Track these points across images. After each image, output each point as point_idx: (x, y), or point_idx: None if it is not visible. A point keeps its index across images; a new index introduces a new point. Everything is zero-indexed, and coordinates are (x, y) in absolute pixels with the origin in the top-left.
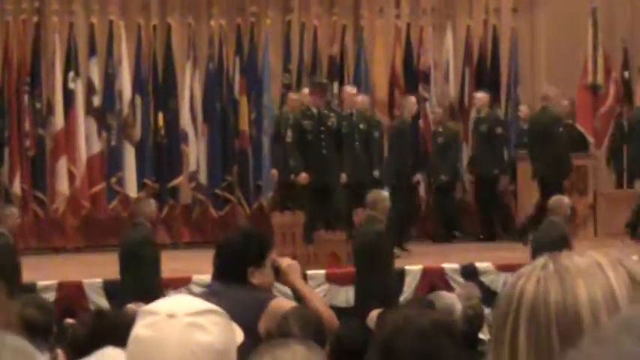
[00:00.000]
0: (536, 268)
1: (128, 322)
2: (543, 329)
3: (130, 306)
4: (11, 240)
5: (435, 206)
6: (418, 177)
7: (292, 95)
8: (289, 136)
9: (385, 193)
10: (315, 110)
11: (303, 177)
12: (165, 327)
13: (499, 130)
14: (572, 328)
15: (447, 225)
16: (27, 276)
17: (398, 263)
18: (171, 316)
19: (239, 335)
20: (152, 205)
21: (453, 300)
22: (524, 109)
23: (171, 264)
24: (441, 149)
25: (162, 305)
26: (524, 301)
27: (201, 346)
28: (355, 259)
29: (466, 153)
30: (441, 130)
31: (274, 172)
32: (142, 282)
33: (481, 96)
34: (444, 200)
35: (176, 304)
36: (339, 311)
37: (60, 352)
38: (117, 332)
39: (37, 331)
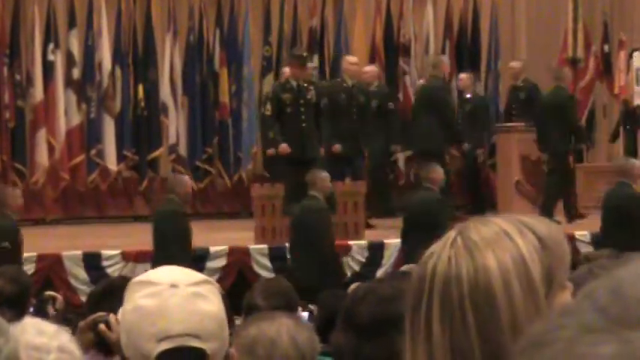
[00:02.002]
0: (446, 244)
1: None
2: (457, 306)
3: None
4: (183, 207)
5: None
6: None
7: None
8: (268, 109)
9: None
10: (294, 83)
11: (283, 147)
12: (169, 296)
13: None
14: (485, 300)
15: None
16: None
17: (378, 236)
18: (174, 285)
19: None
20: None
21: None
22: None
23: (150, 236)
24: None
25: (162, 276)
26: (437, 280)
27: (207, 314)
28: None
29: None
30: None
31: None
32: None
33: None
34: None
35: (175, 275)
36: None
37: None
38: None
39: (8, 303)
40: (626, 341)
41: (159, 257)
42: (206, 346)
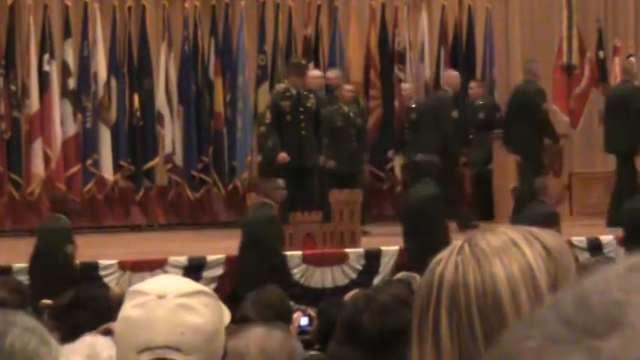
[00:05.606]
0: (453, 252)
1: (105, 295)
2: (464, 313)
3: (117, 287)
4: (275, 211)
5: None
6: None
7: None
8: (267, 117)
9: None
10: (293, 91)
11: (282, 157)
12: (155, 307)
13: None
14: (492, 308)
15: None
16: (3, 258)
17: (374, 243)
18: (161, 296)
19: (227, 316)
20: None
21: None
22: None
23: (146, 245)
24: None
25: (153, 285)
26: (444, 286)
27: (191, 327)
28: None
29: None
30: (413, 106)
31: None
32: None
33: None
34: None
35: (166, 285)
36: (315, 292)
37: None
38: (95, 303)
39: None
40: (593, 350)
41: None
42: (187, 359)
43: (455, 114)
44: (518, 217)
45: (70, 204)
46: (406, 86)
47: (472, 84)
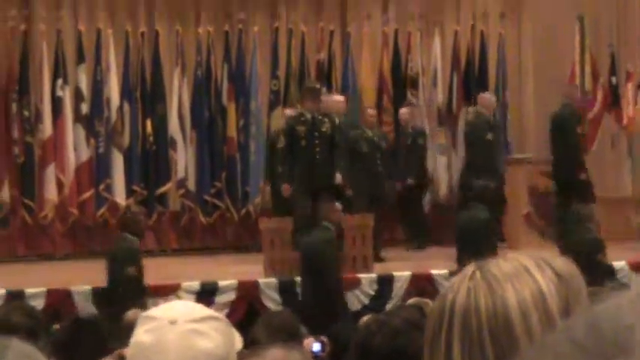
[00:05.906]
0: (465, 278)
1: (104, 329)
2: (476, 338)
3: (131, 312)
4: (334, 234)
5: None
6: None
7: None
8: (281, 141)
9: None
10: (308, 116)
11: (285, 188)
12: (166, 333)
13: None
14: (504, 332)
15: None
16: (15, 283)
17: (387, 269)
18: (172, 322)
19: (238, 341)
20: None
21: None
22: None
23: (159, 271)
24: (407, 150)
25: (164, 311)
26: (456, 311)
27: (202, 352)
28: None
29: (454, 159)
30: (410, 130)
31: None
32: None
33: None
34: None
35: (177, 310)
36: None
37: None
38: (93, 337)
39: (24, 336)
40: None
41: None
42: None
43: (489, 136)
44: (565, 244)
45: (140, 224)
46: (402, 111)
47: (470, 108)
